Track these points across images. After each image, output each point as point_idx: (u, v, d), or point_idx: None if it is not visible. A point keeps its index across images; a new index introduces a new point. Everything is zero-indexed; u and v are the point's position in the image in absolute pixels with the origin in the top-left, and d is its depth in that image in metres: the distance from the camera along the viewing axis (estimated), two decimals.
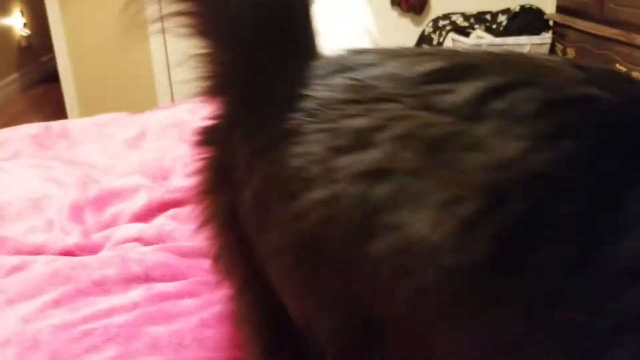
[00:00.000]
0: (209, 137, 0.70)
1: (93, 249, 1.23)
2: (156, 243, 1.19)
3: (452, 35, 3.22)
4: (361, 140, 0.55)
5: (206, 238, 0.70)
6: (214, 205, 0.68)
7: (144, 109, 3.56)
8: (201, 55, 0.68)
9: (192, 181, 0.71)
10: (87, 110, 3.72)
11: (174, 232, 1.22)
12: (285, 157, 0.58)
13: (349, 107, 0.58)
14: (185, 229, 1.23)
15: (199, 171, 0.70)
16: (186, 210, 1.33)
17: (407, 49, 0.64)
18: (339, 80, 0.61)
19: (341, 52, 0.66)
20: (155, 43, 3.63)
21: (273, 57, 0.65)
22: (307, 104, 0.60)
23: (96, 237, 1.27)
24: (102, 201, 1.39)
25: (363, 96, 0.58)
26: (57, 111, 4.39)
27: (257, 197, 0.60)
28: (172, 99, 3.75)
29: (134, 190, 1.42)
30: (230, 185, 0.64)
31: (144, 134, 1.82)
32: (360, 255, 0.54)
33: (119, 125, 1.91)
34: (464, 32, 3.25)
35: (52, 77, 5.44)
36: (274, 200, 0.59)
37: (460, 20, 3.34)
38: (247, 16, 0.65)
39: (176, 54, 3.66)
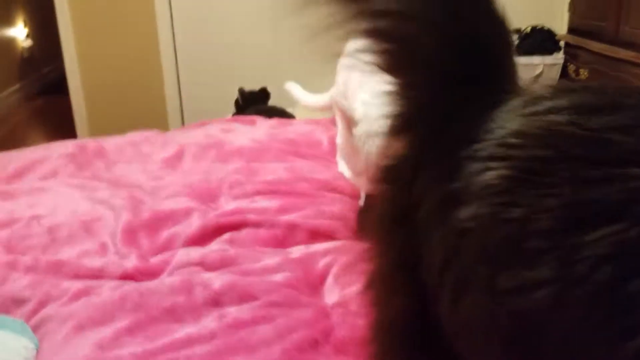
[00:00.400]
0: (390, 175, 0.65)
1: (153, 273, 1.23)
2: (220, 268, 1.19)
3: None
4: (609, 215, 0.46)
5: (364, 270, 0.68)
6: (387, 245, 0.64)
7: (154, 122, 3.59)
8: (388, 91, 0.64)
9: (368, 215, 0.69)
10: (96, 123, 3.71)
11: (238, 257, 1.22)
12: (490, 218, 0.51)
13: (584, 167, 0.48)
14: (248, 254, 1.23)
15: (376, 208, 0.66)
16: (242, 234, 1.34)
17: (624, 88, 0.57)
18: (558, 126, 0.51)
19: (541, 88, 0.58)
20: (166, 55, 3.63)
21: (470, 97, 0.59)
22: (518, 153, 0.51)
23: (155, 260, 1.27)
24: (155, 224, 1.39)
25: (601, 154, 0.48)
26: (61, 122, 4.37)
27: (449, 257, 0.54)
28: (182, 110, 3.74)
29: (186, 213, 1.42)
30: (410, 228, 0.59)
31: (181, 154, 1.82)
32: (606, 349, 0.46)
33: (153, 144, 1.92)
34: None
35: (54, 88, 5.43)
36: (473, 266, 0.52)
37: None
38: (442, 51, 0.60)
39: (187, 68, 3.67)
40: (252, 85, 3.07)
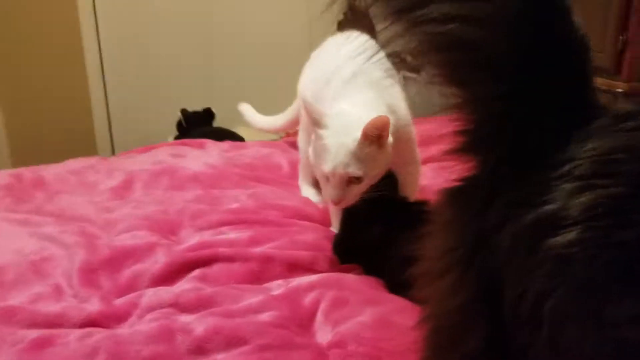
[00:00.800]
0: (459, 199, 0.59)
1: (120, 318, 1.11)
2: (197, 309, 1.09)
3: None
4: None
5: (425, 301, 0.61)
6: (461, 275, 0.57)
7: (81, 144, 3.38)
8: (453, 106, 0.58)
9: (427, 243, 0.61)
10: (18, 148, 3.47)
11: (216, 296, 1.12)
12: (596, 242, 0.46)
13: None
14: (225, 292, 1.14)
15: (439, 234, 0.60)
16: (214, 270, 1.24)
17: None
18: None
19: (627, 104, 0.56)
20: (93, 78, 3.45)
21: (554, 112, 0.54)
22: (627, 168, 0.47)
23: (119, 303, 1.15)
24: (115, 262, 1.27)
25: None
26: None
27: (546, 288, 0.49)
28: (110, 130, 3.56)
29: (148, 248, 1.31)
30: (487, 257, 0.53)
31: (130, 182, 1.70)
32: None
33: (98, 172, 1.78)
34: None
35: None
36: (577, 296, 0.48)
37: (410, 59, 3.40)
38: (521, 59, 0.54)
39: (115, 88, 3.50)
40: (188, 106, 2.94)
